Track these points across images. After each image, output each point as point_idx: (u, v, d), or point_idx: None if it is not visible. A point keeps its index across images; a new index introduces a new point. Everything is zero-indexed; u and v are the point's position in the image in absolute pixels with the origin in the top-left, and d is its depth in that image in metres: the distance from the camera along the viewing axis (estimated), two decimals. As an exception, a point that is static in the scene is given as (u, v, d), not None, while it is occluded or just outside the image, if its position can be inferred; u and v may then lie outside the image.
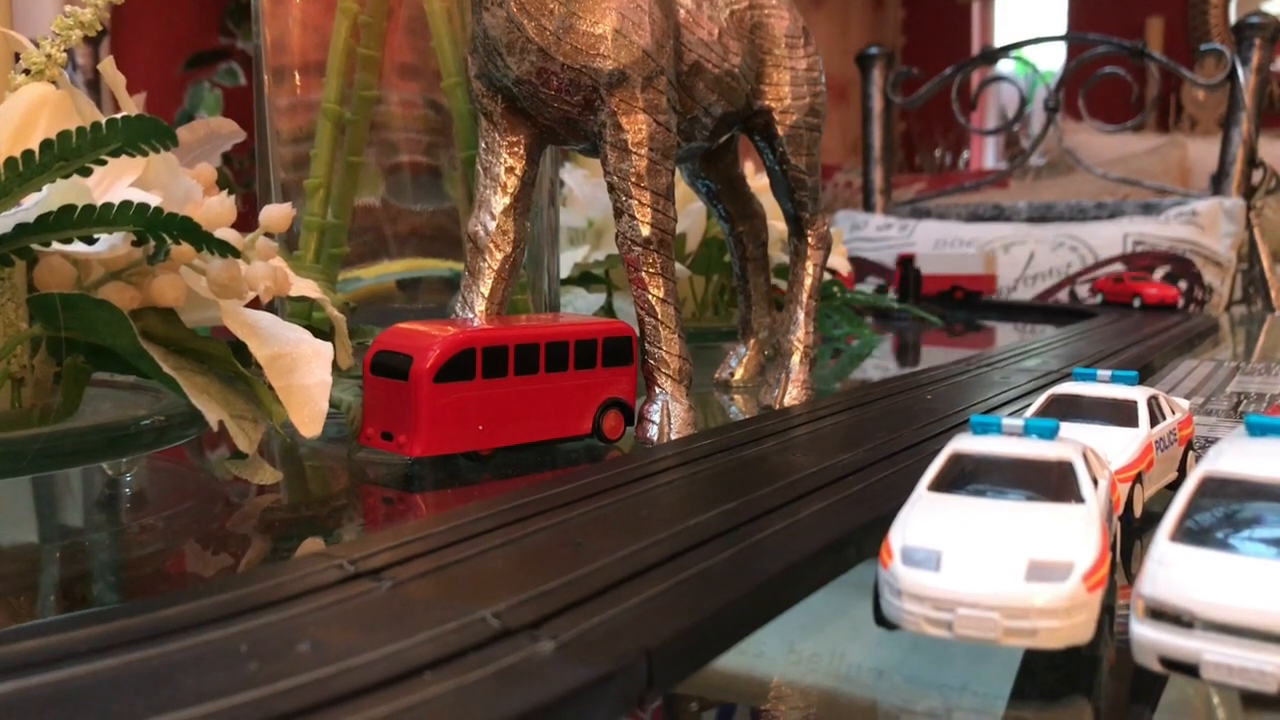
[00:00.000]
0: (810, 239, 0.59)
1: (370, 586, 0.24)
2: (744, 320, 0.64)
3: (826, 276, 0.87)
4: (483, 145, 0.48)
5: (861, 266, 1.57)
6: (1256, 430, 0.27)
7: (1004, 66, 1.96)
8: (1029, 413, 0.36)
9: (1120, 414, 0.35)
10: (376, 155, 0.55)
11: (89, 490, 0.42)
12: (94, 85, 1.55)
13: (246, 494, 0.41)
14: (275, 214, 0.39)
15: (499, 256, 0.47)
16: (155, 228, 0.34)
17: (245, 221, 0.39)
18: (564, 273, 0.80)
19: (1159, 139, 2.52)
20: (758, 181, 0.67)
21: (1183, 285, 1.42)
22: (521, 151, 0.48)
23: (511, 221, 0.47)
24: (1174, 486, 0.37)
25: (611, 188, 0.47)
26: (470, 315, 0.47)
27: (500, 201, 0.47)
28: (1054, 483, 0.26)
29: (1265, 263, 1.53)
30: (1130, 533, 0.33)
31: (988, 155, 3.81)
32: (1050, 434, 0.28)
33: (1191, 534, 0.23)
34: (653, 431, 0.45)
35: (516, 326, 0.43)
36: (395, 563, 0.26)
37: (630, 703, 0.21)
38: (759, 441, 0.41)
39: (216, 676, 0.19)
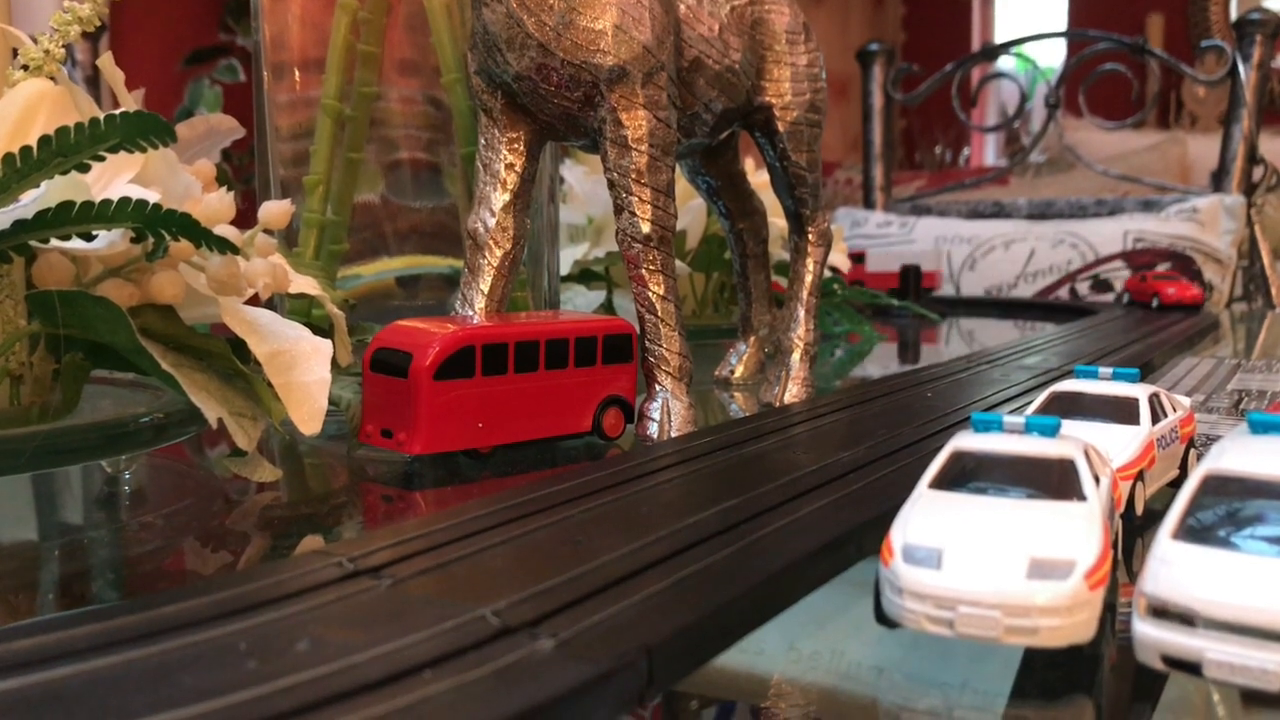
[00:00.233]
0: (811, 236, 0.59)
1: (370, 584, 0.24)
2: (744, 317, 0.64)
3: (827, 273, 0.87)
4: (482, 142, 0.48)
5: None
6: (1258, 428, 0.27)
7: (1004, 63, 1.96)
8: (1030, 410, 0.36)
9: (1122, 411, 0.35)
10: (376, 152, 0.55)
11: (88, 488, 0.42)
12: (93, 81, 1.55)
13: (246, 491, 0.41)
14: (274, 210, 0.39)
15: (499, 253, 0.47)
16: (154, 224, 0.34)
17: (244, 218, 0.39)
18: (564, 270, 0.80)
19: (1159, 136, 2.52)
20: (758, 178, 0.67)
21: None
22: (521, 148, 0.48)
23: (511, 218, 0.47)
24: (1175, 484, 0.37)
25: (611, 184, 0.47)
26: (470, 312, 0.46)
27: (500, 198, 0.47)
28: (1055, 480, 0.26)
29: (1266, 260, 1.53)
30: (1132, 531, 0.33)
31: (988, 152, 3.81)
32: (1051, 431, 0.28)
33: (1194, 532, 0.23)
34: (653, 429, 0.45)
35: (516, 324, 0.43)
36: (395, 560, 0.25)
37: (630, 701, 0.21)
38: (759, 439, 0.41)
39: (215, 674, 0.19)
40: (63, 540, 0.37)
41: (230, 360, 0.37)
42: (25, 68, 0.39)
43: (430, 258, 0.57)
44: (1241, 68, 1.48)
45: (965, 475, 0.27)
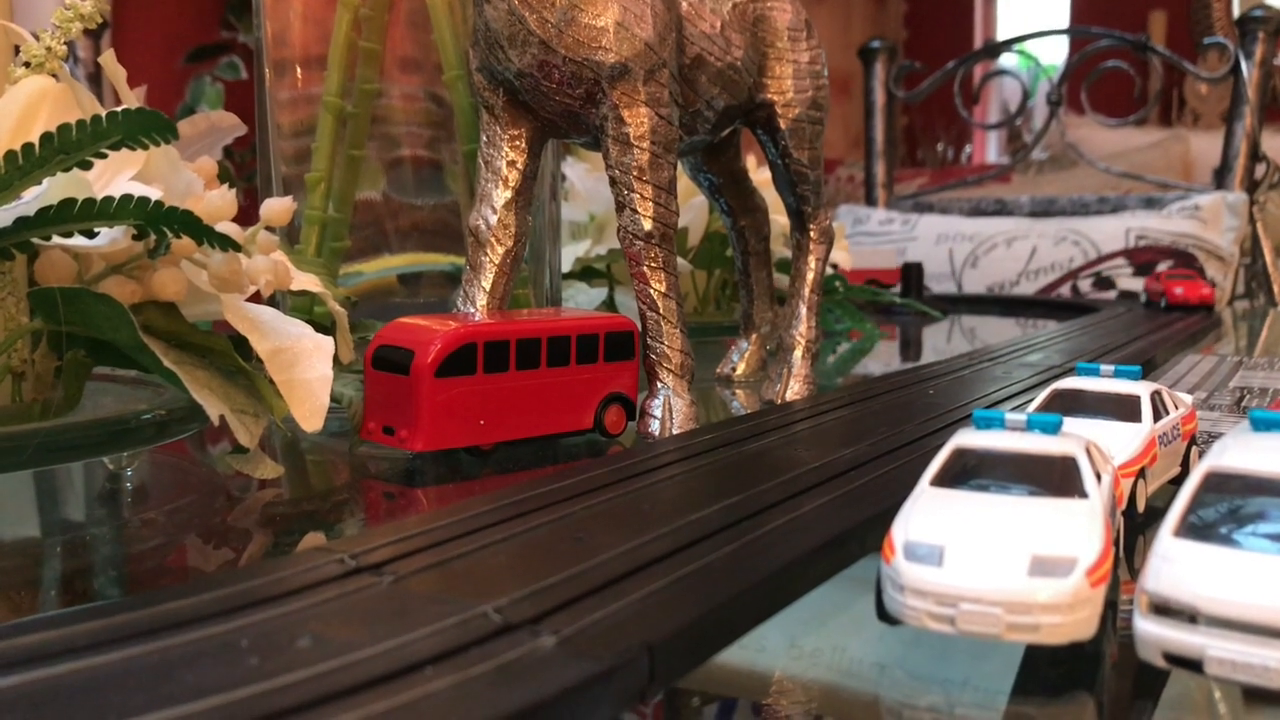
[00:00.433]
0: (812, 233, 0.59)
1: (371, 581, 0.24)
2: (746, 315, 0.64)
3: (828, 271, 0.87)
4: (484, 139, 0.48)
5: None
6: (1260, 425, 0.27)
7: (1007, 60, 1.95)
8: (1032, 408, 0.36)
9: (1123, 409, 0.35)
10: (378, 149, 0.55)
11: (90, 485, 0.42)
12: (95, 79, 1.55)
13: (247, 488, 0.41)
14: (276, 208, 0.39)
15: (500, 251, 0.47)
16: (156, 221, 0.34)
17: (246, 215, 0.39)
18: (565, 267, 0.80)
19: (1162, 133, 2.52)
20: (760, 175, 0.67)
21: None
22: (523, 145, 0.48)
23: (513, 215, 0.47)
24: (1177, 482, 0.37)
25: (613, 182, 0.47)
26: (471, 310, 0.47)
27: (502, 195, 0.47)
28: (1057, 478, 0.26)
29: (1268, 257, 1.53)
30: (1133, 528, 0.33)
31: (990, 149, 3.80)
32: (1053, 429, 0.28)
33: (1195, 529, 0.23)
34: (654, 426, 0.45)
35: (518, 321, 0.43)
36: (396, 557, 0.25)
37: (632, 698, 0.21)
38: (761, 436, 0.41)
39: (217, 671, 0.19)
40: (65, 537, 0.37)
41: (232, 357, 0.37)
42: (27, 65, 0.39)
43: (432, 255, 0.57)
44: (1244, 65, 1.48)
45: (967, 472, 0.27)
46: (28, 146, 0.33)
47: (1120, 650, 0.26)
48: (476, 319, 0.43)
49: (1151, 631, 0.22)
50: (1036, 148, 1.91)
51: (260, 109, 0.56)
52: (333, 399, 0.37)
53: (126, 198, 0.33)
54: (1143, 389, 0.36)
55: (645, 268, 0.46)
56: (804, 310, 0.58)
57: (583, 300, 0.83)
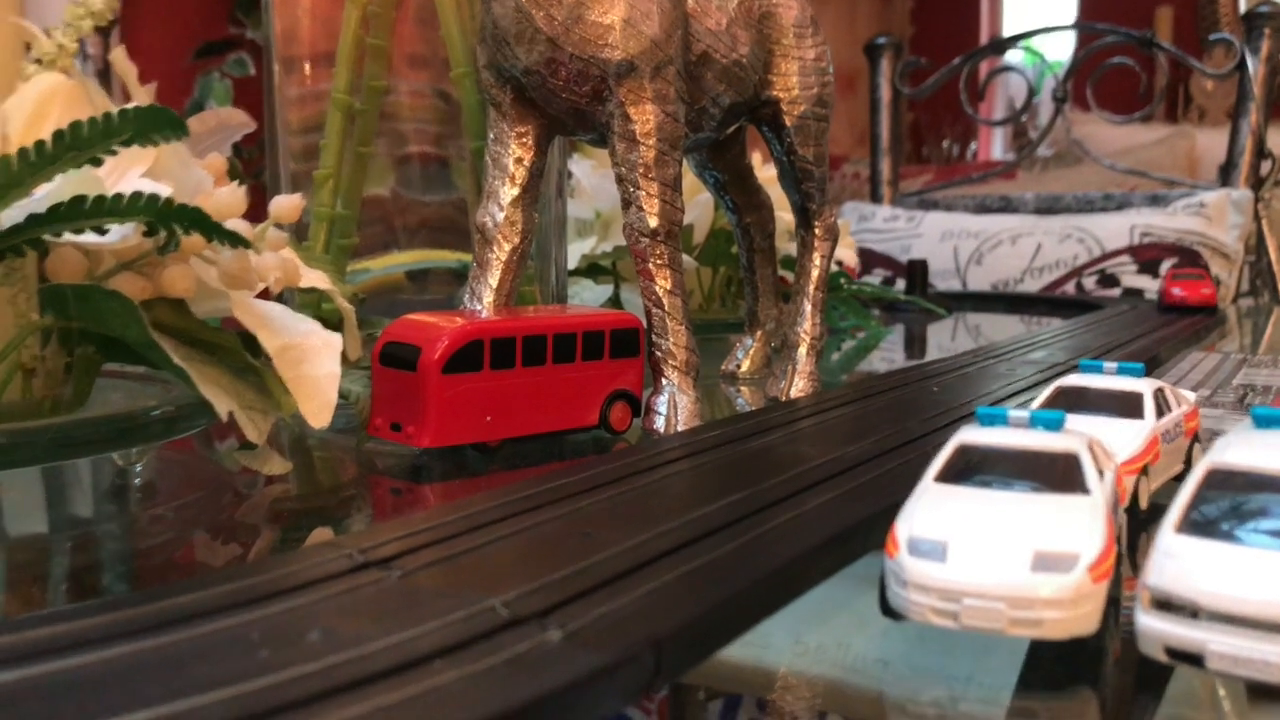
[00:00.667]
0: (817, 230, 0.59)
1: (379, 576, 0.24)
2: (751, 312, 0.64)
3: (833, 268, 0.87)
4: (491, 136, 0.48)
5: (869, 258, 1.57)
6: (1262, 422, 0.27)
7: (1012, 57, 1.95)
8: (1035, 404, 0.36)
9: (1126, 406, 0.36)
10: (386, 146, 0.55)
11: (99, 481, 0.42)
12: (104, 76, 1.56)
13: (256, 484, 0.41)
14: (285, 205, 0.40)
15: (507, 248, 0.47)
16: (166, 218, 0.34)
17: (255, 212, 0.39)
18: (571, 264, 0.80)
19: (1167, 130, 2.51)
20: (765, 172, 0.67)
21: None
22: (530, 142, 0.48)
23: (519, 213, 0.47)
24: (1180, 479, 0.37)
25: (619, 179, 0.47)
26: (478, 306, 0.47)
27: (508, 192, 0.47)
28: (1060, 474, 0.26)
29: (1273, 255, 1.53)
30: (1136, 524, 0.33)
31: (995, 146, 3.80)
32: (1056, 426, 0.28)
33: (1197, 525, 0.23)
34: (660, 423, 0.45)
35: (524, 318, 0.43)
36: (404, 552, 0.26)
37: (638, 691, 0.21)
38: (765, 433, 0.41)
39: (227, 664, 0.19)
40: (74, 533, 0.37)
41: (241, 354, 0.38)
42: (39, 62, 0.39)
43: (439, 252, 0.57)
44: (1250, 61, 1.48)
45: (970, 469, 0.27)
46: (39, 143, 0.33)
47: (1123, 646, 0.26)
48: (483, 316, 0.43)
49: (1154, 627, 0.22)
50: (1042, 144, 1.91)
51: (269, 106, 0.56)
52: (340, 395, 0.38)
53: (137, 194, 0.33)
54: (1145, 386, 0.36)
55: (651, 265, 0.47)
56: (809, 307, 0.58)
57: (588, 297, 0.83)
